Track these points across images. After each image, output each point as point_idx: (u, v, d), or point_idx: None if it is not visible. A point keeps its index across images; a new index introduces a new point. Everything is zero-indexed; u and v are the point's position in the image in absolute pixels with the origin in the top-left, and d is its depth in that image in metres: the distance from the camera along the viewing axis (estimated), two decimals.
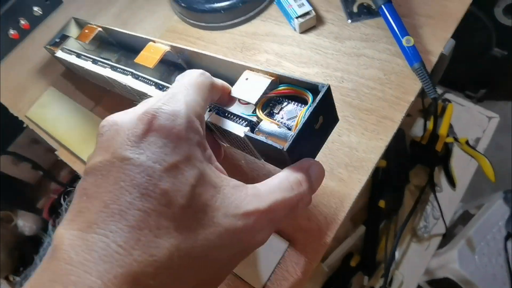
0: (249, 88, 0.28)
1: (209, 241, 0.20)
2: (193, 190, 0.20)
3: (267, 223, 0.22)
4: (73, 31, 0.53)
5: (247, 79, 0.29)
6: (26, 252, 1.39)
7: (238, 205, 0.21)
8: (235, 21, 0.53)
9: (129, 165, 0.19)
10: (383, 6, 0.47)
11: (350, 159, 0.42)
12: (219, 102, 0.30)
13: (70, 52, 0.49)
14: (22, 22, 0.60)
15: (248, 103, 0.29)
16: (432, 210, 0.71)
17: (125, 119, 0.22)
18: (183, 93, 0.23)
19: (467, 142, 0.71)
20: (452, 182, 0.71)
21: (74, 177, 1.28)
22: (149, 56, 0.38)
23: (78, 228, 0.18)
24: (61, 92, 0.55)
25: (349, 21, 0.51)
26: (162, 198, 0.19)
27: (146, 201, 0.19)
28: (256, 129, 0.27)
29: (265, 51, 0.50)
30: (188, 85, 0.24)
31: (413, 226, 0.71)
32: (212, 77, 0.27)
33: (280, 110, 0.28)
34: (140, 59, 0.38)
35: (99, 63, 0.43)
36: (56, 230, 0.19)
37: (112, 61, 0.43)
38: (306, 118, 0.24)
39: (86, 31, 0.49)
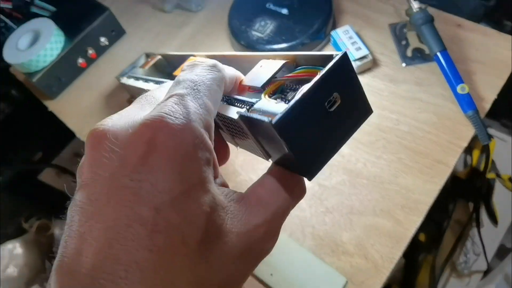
0: (260, 74, 0.25)
1: (226, 266, 0.18)
2: (208, 219, 0.18)
3: (275, 229, 0.21)
4: (142, 63, 0.57)
5: (261, 66, 0.26)
6: None
7: (247, 221, 0.19)
8: None
9: (130, 196, 0.16)
10: (438, 54, 0.49)
11: (406, 201, 0.44)
12: (229, 93, 0.26)
13: (130, 76, 0.53)
14: (90, 51, 0.64)
15: (258, 91, 0.25)
16: (473, 246, 0.71)
17: (118, 131, 0.18)
18: (191, 95, 0.19)
19: (510, 179, 0.72)
20: (494, 219, 0.71)
21: None
22: None
23: (83, 272, 0.16)
24: None
25: (404, 64, 0.53)
26: (175, 233, 0.17)
27: (156, 239, 0.16)
28: (252, 109, 0.22)
29: None
30: (197, 84, 0.20)
31: (453, 260, 0.72)
32: (224, 69, 0.23)
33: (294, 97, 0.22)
34: (177, 72, 0.39)
35: (149, 80, 0.46)
36: (53, 272, 0.17)
37: None
38: (309, 87, 0.19)
39: (149, 59, 0.53)
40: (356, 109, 0.21)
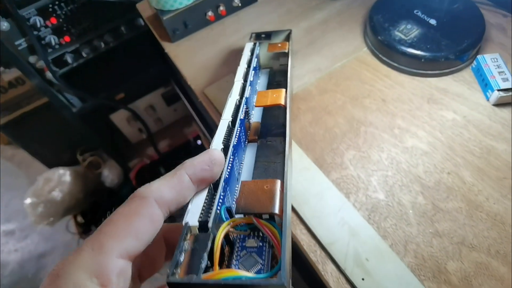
0: (251, 199, 0.24)
1: None
2: None
3: None
4: (278, 39, 0.53)
5: (265, 188, 0.26)
6: (100, 201, 1.48)
7: None
8: (429, 72, 0.53)
9: None
10: None
11: None
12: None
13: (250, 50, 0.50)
14: (221, 8, 0.65)
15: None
16: None
17: None
18: (92, 238, 0.19)
19: None
20: None
21: (173, 151, 1.35)
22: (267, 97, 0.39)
23: None
24: None
25: None
26: None
27: None
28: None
29: (453, 111, 0.50)
30: (106, 223, 0.20)
31: None
32: (153, 193, 0.21)
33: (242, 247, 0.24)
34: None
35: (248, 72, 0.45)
36: None
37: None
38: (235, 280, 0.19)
39: (279, 45, 0.49)
40: None
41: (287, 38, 0.52)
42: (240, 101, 0.38)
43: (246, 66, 0.45)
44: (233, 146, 0.30)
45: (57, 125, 1.23)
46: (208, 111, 0.56)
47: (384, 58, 0.55)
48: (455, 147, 0.47)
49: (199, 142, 1.43)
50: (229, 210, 0.25)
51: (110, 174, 1.45)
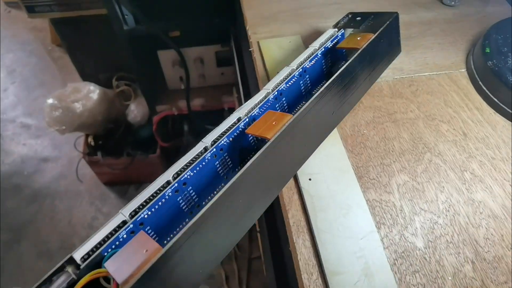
0: None
1: None
2: None
3: None
4: (376, 23, 0.43)
5: None
6: (115, 131, 1.42)
7: None
8: None
9: None
10: None
11: None
12: None
13: (325, 42, 0.41)
14: None
15: None
16: None
17: None
18: None
19: None
20: None
21: (203, 112, 1.28)
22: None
23: None
24: (304, 45, 0.49)
25: None
26: None
27: None
28: None
29: None
30: None
31: None
32: None
33: None
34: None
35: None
36: None
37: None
38: None
39: (358, 38, 0.39)
40: None
41: (387, 24, 0.41)
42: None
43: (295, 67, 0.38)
44: None
45: (105, 41, 1.18)
46: (254, 66, 0.47)
47: (483, 87, 0.44)
48: None
49: None
50: None
51: (135, 110, 1.40)
